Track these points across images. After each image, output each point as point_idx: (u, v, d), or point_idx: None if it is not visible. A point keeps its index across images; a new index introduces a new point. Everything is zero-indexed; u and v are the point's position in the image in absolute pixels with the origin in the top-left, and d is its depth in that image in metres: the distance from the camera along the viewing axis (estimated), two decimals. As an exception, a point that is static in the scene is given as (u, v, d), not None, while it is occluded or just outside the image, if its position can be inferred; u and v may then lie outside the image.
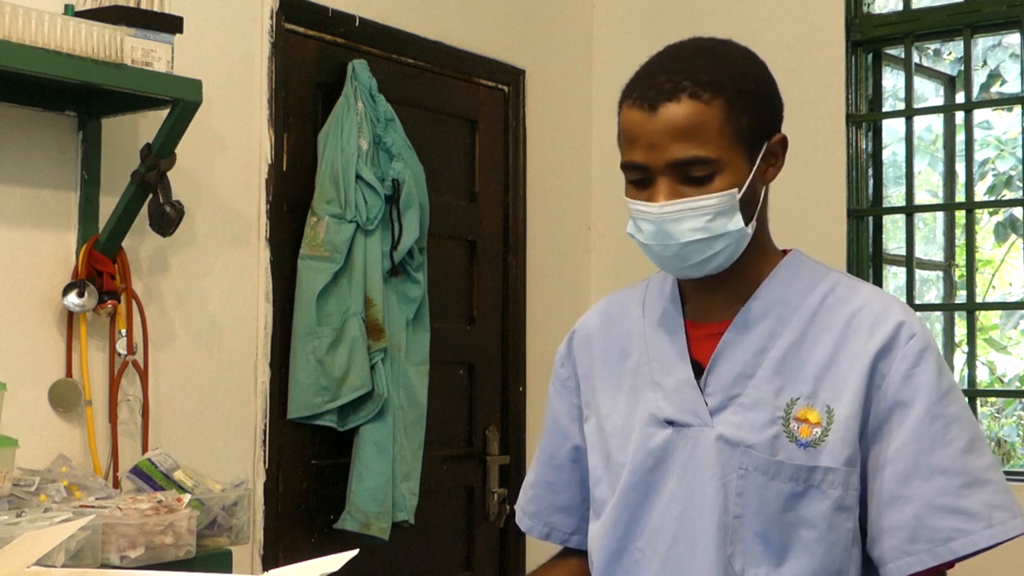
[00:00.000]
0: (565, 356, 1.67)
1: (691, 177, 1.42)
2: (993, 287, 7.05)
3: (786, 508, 1.43)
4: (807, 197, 3.37)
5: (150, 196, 2.40)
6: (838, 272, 1.55)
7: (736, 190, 1.43)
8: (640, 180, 1.45)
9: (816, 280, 1.51)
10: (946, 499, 1.40)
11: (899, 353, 1.43)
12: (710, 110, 1.42)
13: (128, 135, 2.52)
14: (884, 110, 3.62)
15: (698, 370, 1.50)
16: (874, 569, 1.47)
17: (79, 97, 2.41)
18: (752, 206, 1.46)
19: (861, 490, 1.44)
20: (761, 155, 1.46)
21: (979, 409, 3.90)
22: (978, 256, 5.73)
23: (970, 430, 1.43)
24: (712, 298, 1.52)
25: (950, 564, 1.41)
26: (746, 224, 1.45)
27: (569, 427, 1.65)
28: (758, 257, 1.51)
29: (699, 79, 1.43)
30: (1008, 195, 6.68)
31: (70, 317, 2.42)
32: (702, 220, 1.42)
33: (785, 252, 1.55)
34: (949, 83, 4.40)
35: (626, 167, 1.47)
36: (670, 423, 1.50)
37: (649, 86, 1.44)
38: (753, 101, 1.46)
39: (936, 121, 6.27)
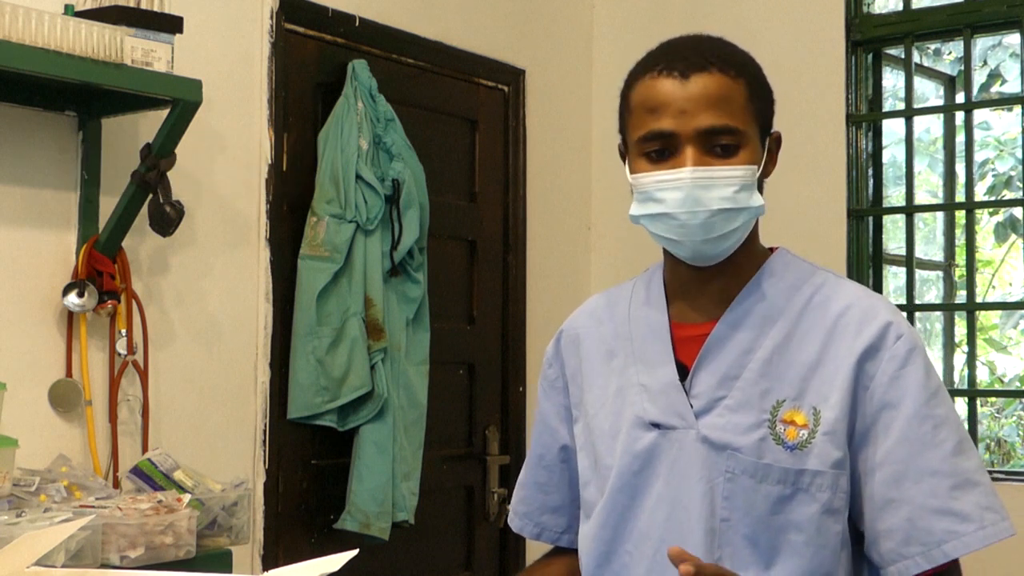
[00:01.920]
0: (553, 356, 1.66)
1: (717, 147, 1.41)
2: (993, 287, 7.05)
3: (774, 511, 1.41)
4: (807, 197, 3.38)
5: (150, 196, 2.40)
6: (825, 271, 1.53)
7: (756, 167, 1.43)
8: (661, 151, 1.43)
9: (802, 279, 1.50)
10: (937, 501, 1.39)
11: (887, 354, 1.42)
12: (736, 85, 1.43)
13: (128, 135, 2.52)
14: (884, 110, 3.62)
15: (683, 372, 1.48)
16: (865, 571, 1.46)
17: (79, 97, 2.41)
18: (760, 192, 1.46)
19: (852, 492, 1.43)
20: (767, 146, 1.47)
21: (979, 409, 3.89)
22: (978, 256, 5.73)
23: (958, 431, 1.42)
24: (698, 297, 1.50)
25: (945, 565, 1.40)
26: None
27: (558, 428, 1.65)
28: (747, 254, 1.50)
29: (725, 58, 1.45)
30: (1008, 195, 6.68)
31: (70, 317, 2.42)
32: (729, 190, 1.41)
33: (772, 250, 1.54)
34: (949, 83, 4.40)
35: (648, 137, 1.43)
36: (656, 425, 1.48)
37: (675, 58, 1.44)
38: (764, 90, 1.48)
39: (935, 123, 6.27)
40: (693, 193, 1.40)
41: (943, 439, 1.40)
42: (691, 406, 1.46)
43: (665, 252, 1.52)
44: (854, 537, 1.45)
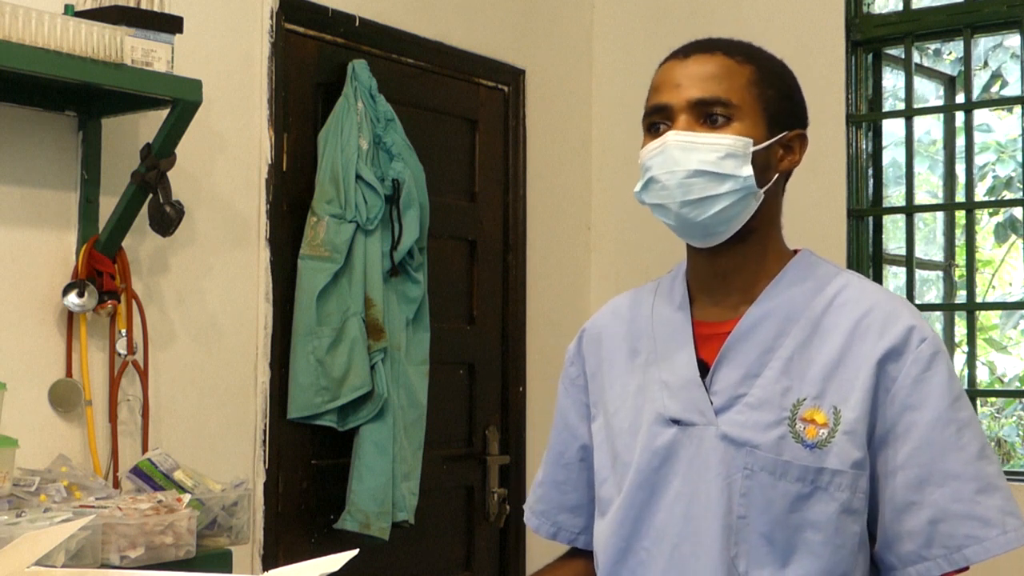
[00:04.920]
0: (575, 354, 1.67)
1: (709, 119, 1.44)
2: (993, 287, 7.05)
3: (792, 509, 1.41)
4: (807, 197, 3.37)
5: (150, 196, 2.40)
6: (849, 272, 1.54)
7: (750, 141, 1.45)
8: (658, 124, 1.47)
9: (826, 280, 1.50)
10: (961, 505, 1.39)
11: (910, 357, 1.42)
12: (740, 68, 1.47)
13: (128, 135, 2.52)
14: (884, 110, 3.62)
15: (705, 369, 1.49)
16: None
17: (79, 97, 2.41)
18: (764, 176, 1.46)
19: (870, 493, 1.43)
20: (780, 137, 1.48)
21: (979, 409, 3.90)
22: (978, 256, 5.73)
23: (980, 436, 1.43)
24: (720, 296, 1.51)
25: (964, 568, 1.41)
26: (756, 186, 1.45)
27: (578, 426, 1.65)
28: (767, 255, 1.51)
29: (736, 47, 1.50)
30: (1008, 196, 6.68)
31: (70, 317, 2.42)
32: (712, 155, 1.43)
33: (796, 252, 1.55)
34: (949, 83, 4.40)
35: (647, 113, 1.49)
36: (676, 422, 1.49)
37: (688, 45, 1.51)
38: (781, 83, 1.51)
39: (935, 126, 6.27)
40: (672, 154, 1.44)
41: (967, 443, 1.41)
42: (711, 403, 1.47)
43: (688, 249, 1.54)
44: (870, 539, 1.45)
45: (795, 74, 1.56)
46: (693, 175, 1.43)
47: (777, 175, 1.50)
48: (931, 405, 1.41)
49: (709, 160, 1.43)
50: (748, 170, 1.44)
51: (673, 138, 1.44)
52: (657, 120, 1.48)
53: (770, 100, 1.47)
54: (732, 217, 1.46)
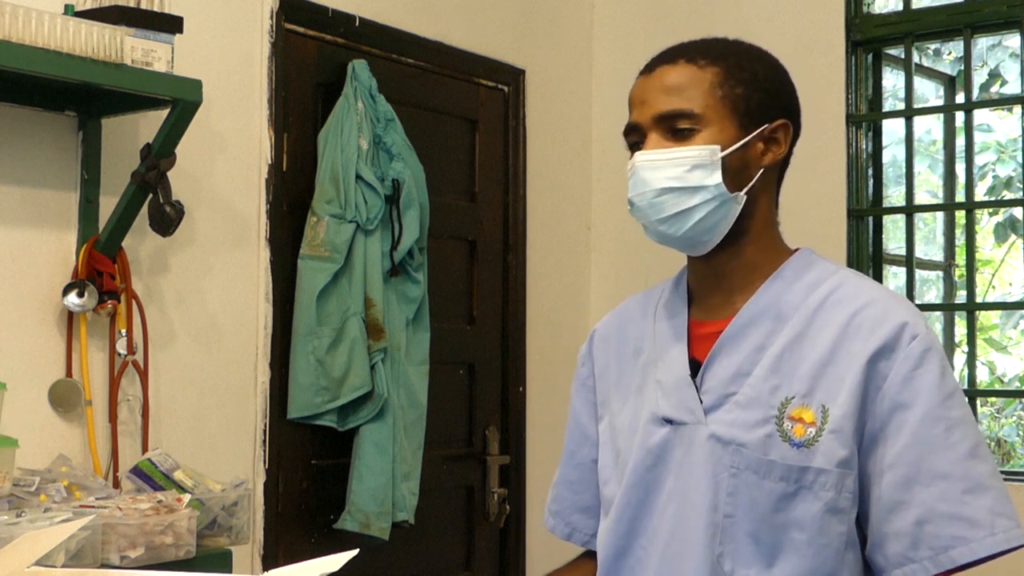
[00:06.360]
0: (586, 355, 1.68)
1: (676, 132, 1.46)
2: (993, 287, 7.05)
3: (776, 509, 1.41)
4: (807, 197, 3.37)
5: (150, 196, 2.40)
6: (847, 270, 1.53)
7: (718, 147, 1.44)
8: (636, 143, 1.49)
9: (821, 278, 1.49)
10: (948, 505, 1.37)
11: (901, 354, 1.40)
12: (703, 72, 1.47)
13: (128, 135, 2.52)
14: (884, 110, 3.62)
15: (697, 368, 1.49)
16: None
17: (79, 97, 2.41)
18: (741, 177, 1.46)
19: (860, 493, 1.41)
20: (758, 133, 1.47)
21: (979, 409, 3.89)
22: (978, 256, 5.73)
23: (973, 435, 1.40)
24: (717, 297, 1.52)
25: (954, 571, 1.38)
26: (731, 191, 1.45)
27: (588, 426, 1.66)
28: (762, 254, 1.51)
29: (700, 50, 1.50)
30: (1008, 196, 6.68)
31: (70, 317, 2.42)
32: (678, 170, 1.44)
33: (796, 251, 1.55)
34: (949, 83, 4.40)
35: (625, 132, 1.51)
36: (668, 421, 1.49)
37: (655, 57, 1.52)
38: (754, 77, 1.49)
39: (935, 125, 6.27)
40: (641, 175, 1.46)
41: (956, 442, 1.38)
42: (701, 402, 1.47)
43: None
44: (861, 540, 1.44)
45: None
46: (661, 193, 1.45)
47: (761, 171, 1.49)
48: (921, 402, 1.39)
49: (675, 175, 1.44)
50: (717, 178, 1.44)
51: (640, 159, 1.46)
52: (634, 139, 1.50)
53: (739, 98, 1.46)
54: (713, 226, 1.46)
